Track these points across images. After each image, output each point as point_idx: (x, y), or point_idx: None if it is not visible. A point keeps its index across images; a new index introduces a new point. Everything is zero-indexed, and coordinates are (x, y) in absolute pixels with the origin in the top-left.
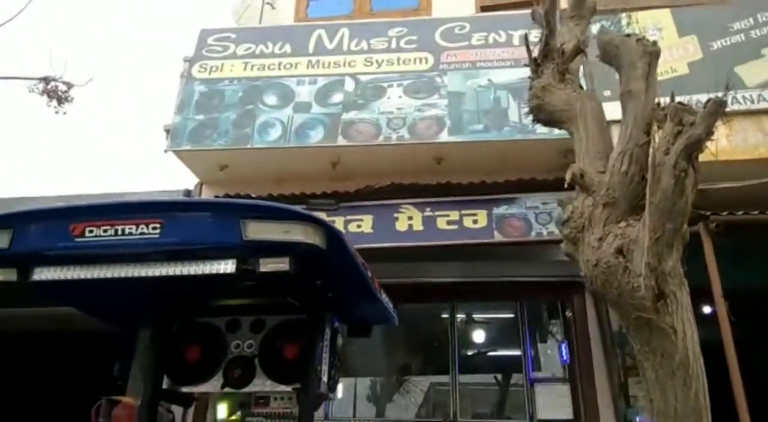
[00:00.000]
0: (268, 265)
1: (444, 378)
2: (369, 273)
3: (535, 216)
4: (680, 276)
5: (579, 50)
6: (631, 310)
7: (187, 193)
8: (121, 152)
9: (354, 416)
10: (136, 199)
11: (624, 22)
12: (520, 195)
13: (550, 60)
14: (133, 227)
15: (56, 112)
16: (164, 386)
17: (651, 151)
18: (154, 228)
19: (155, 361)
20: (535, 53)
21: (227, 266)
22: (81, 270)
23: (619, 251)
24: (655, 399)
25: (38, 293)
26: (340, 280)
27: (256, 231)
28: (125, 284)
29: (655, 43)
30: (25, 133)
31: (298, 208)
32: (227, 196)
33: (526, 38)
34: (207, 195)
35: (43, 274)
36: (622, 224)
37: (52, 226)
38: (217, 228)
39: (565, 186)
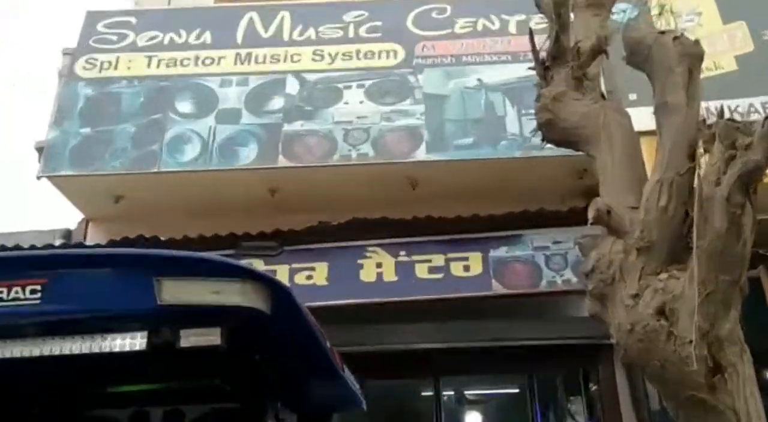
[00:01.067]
0: (191, 339)
1: None
2: (327, 344)
3: (546, 260)
4: (740, 341)
5: (599, 50)
6: (678, 388)
7: (67, 233)
8: None
9: None
10: (1, 248)
11: (653, 5)
12: (524, 231)
13: (563, 62)
14: (4, 291)
15: None
16: None
17: (696, 180)
18: (33, 293)
19: None
20: (543, 53)
21: (135, 341)
22: None
23: (661, 311)
24: None
25: None
26: (289, 355)
27: (176, 292)
28: None
29: (697, 42)
30: None
31: (229, 259)
32: (125, 239)
33: (531, 34)
34: (94, 236)
35: None
36: (663, 276)
37: None
38: (121, 290)
39: (588, 225)
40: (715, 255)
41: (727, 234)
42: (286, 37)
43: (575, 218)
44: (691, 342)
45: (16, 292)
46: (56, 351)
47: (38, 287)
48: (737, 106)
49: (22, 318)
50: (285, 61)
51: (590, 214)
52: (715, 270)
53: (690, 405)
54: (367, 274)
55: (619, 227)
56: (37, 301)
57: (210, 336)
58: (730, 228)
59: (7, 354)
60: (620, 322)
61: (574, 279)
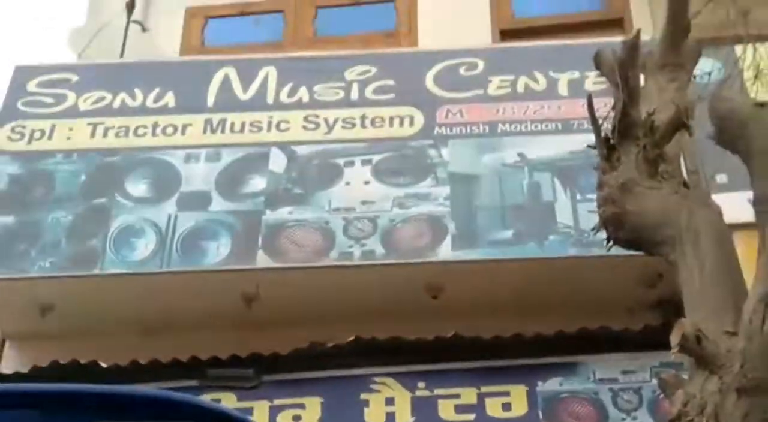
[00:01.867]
0: None
1: None
2: None
3: (613, 397)
4: None
5: (679, 124)
6: None
7: None
8: None
9: None
10: None
11: (746, 65)
12: (583, 357)
13: (632, 139)
14: None
15: None
16: None
17: None
18: None
19: None
20: (606, 126)
21: None
22: None
23: None
24: None
25: None
26: None
27: None
28: None
29: None
30: None
31: (187, 395)
32: (54, 363)
33: (589, 99)
34: (14, 360)
35: None
36: None
37: None
38: None
39: (672, 354)
40: None
41: None
42: (270, 98)
43: (650, 341)
44: None
45: None
46: None
47: None
48: None
49: None
50: (269, 129)
51: (674, 340)
52: None
53: None
54: (374, 415)
55: (712, 358)
56: None
57: None
58: None
59: None
60: None
61: None
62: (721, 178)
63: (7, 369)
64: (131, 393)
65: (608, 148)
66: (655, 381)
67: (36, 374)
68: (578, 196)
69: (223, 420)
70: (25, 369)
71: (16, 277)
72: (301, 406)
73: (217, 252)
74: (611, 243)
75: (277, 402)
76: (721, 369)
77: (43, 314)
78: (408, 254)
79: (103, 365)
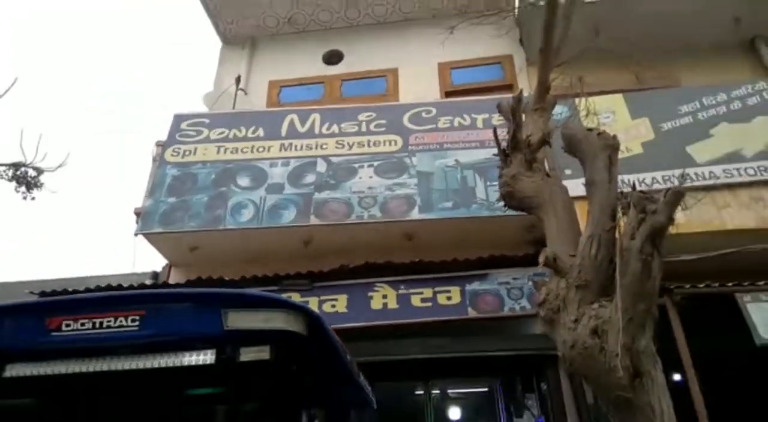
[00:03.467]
0: (249, 354)
1: None
2: (349, 358)
3: (507, 292)
4: (653, 354)
5: (545, 142)
6: (609, 390)
7: (155, 275)
8: (90, 234)
9: None
10: (108, 287)
11: (581, 108)
12: (491, 271)
13: (518, 150)
14: (112, 319)
15: (24, 198)
16: None
17: (617, 236)
18: (134, 321)
19: None
20: (504, 143)
21: (206, 357)
22: (55, 366)
23: (594, 332)
24: None
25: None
26: (320, 366)
27: (237, 320)
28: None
29: (614, 137)
30: None
31: (277, 295)
32: (199, 278)
33: (495, 130)
34: (175, 277)
35: (14, 370)
36: (596, 305)
37: (26, 321)
38: (198, 318)
39: (539, 268)
40: (633, 290)
41: (641, 274)
42: (317, 131)
43: (528, 261)
44: (617, 355)
45: (121, 321)
46: (148, 366)
47: (137, 317)
48: (643, 179)
49: (124, 340)
50: (316, 148)
51: (540, 260)
52: (633, 301)
53: (617, 403)
54: (376, 303)
55: (562, 270)
56: (136, 327)
57: (262, 352)
58: (643, 270)
59: (113, 368)
60: (565, 340)
61: (529, 307)
62: (568, 171)
63: (173, 283)
64: (242, 292)
65: (505, 156)
66: (531, 283)
67: (189, 285)
68: (488, 183)
69: (292, 307)
70: (182, 282)
71: (177, 231)
72: (335, 300)
73: (288, 216)
74: (507, 208)
75: (322, 298)
76: (567, 275)
77: (192, 251)
78: (394, 216)
79: (225, 279)
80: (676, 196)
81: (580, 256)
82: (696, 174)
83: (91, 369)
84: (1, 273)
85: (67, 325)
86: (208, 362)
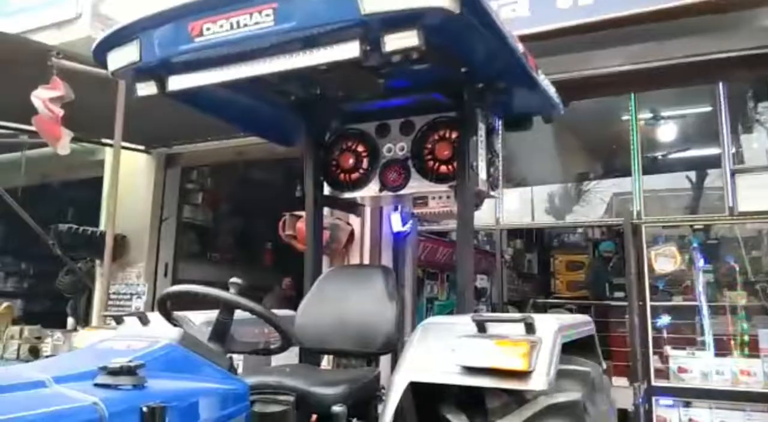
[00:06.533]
0: (395, 42)
1: (627, 185)
2: (520, 47)
3: None
4: None
5: None
6: None
7: None
8: None
9: None
10: None
11: None
12: None
13: None
14: (247, 17)
15: None
16: (327, 193)
17: None
18: (267, 15)
19: (314, 171)
20: None
21: (350, 49)
22: (207, 74)
23: None
24: None
25: (180, 103)
26: (485, 56)
27: (374, 2)
28: (260, 89)
29: None
30: None
31: None
32: None
33: None
34: None
35: (176, 83)
36: None
37: (172, 29)
38: (332, 5)
39: None
40: None
41: None
42: None
43: None
44: None
45: (256, 17)
46: (292, 66)
47: (270, 11)
48: None
49: (262, 38)
50: None
51: None
52: None
53: None
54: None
55: None
56: (272, 23)
57: (409, 39)
58: None
59: (259, 72)
60: None
61: None
62: None
63: None
64: None
65: None
66: None
67: None
68: None
69: None
70: None
71: None
72: (515, 2)
73: None
74: None
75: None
76: None
77: None
78: None
79: None
80: None
81: None
82: None
83: (237, 76)
84: None
85: (208, 29)
86: (354, 54)
